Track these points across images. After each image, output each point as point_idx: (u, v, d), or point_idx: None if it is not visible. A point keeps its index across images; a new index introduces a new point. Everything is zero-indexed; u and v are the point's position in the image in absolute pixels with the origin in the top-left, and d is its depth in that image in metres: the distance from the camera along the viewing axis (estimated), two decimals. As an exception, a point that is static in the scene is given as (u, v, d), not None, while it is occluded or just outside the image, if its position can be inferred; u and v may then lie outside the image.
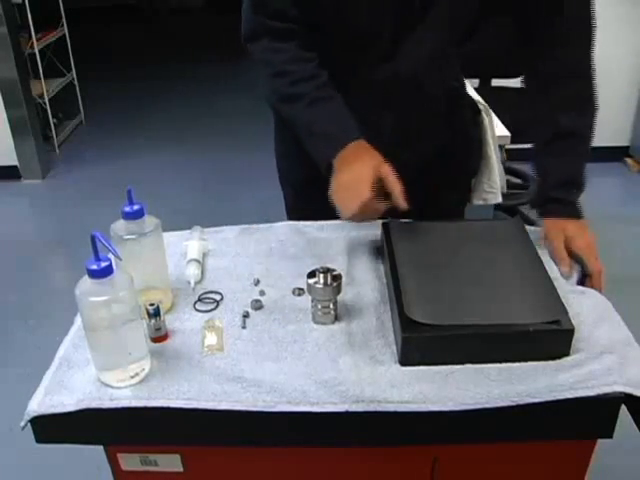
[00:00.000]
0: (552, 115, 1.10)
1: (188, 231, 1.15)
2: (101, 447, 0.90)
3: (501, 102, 1.88)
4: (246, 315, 0.96)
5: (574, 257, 1.04)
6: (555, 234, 1.07)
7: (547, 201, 1.12)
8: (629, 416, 0.83)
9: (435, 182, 1.24)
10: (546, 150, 1.13)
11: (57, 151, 4.01)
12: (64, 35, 4.15)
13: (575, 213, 1.10)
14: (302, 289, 1.00)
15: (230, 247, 1.13)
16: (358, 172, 0.99)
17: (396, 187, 0.98)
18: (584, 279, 1.03)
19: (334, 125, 1.06)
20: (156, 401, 0.82)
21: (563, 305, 0.88)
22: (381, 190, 0.98)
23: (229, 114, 4.45)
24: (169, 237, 1.11)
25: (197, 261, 1.06)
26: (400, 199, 0.98)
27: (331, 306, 0.93)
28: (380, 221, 1.09)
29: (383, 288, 1.01)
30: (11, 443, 1.67)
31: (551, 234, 1.09)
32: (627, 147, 3.54)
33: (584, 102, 1.12)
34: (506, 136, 1.95)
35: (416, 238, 1.06)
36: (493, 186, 1.39)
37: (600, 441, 0.88)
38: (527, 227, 1.10)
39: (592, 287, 1.01)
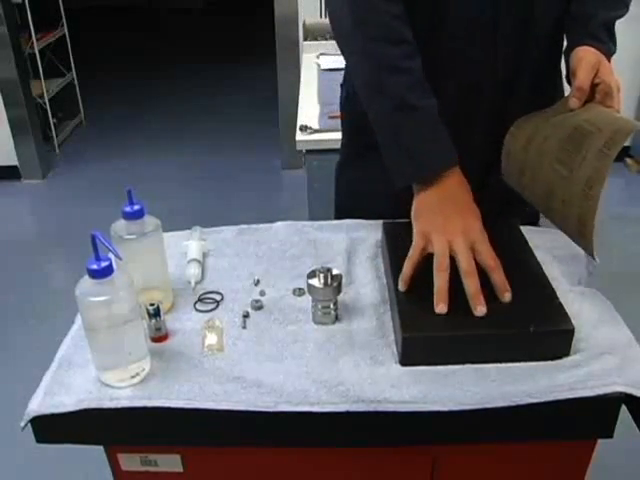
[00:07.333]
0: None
1: (188, 231, 1.15)
2: (101, 447, 0.90)
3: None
4: (246, 315, 0.96)
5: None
6: (588, 63, 1.01)
7: (586, 37, 1.05)
8: (629, 416, 0.83)
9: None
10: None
11: (57, 151, 4.01)
12: (64, 35, 4.15)
13: (609, 56, 1.05)
14: (302, 289, 1.00)
15: (230, 247, 1.13)
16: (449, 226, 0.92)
17: (496, 274, 0.89)
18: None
19: (437, 136, 0.96)
20: (156, 401, 0.82)
21: (562, 305, 0.88)
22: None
23: (229, 114, 4.45)
24: (169, 237, 1.11)
25: (197, 261, 1.06)
26: (500, 287, 0.89)
27: (331, 306, 0.93)
28: (380, 221, 1.09)
29: (383, 288, 1.01)
30: (11, 443, 1.67)
31: (585, 63, 1.01)
32: (627, 147, 3.53)
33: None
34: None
35: None
36: None
37: (600, 441, 0.88)
38: (525, 227, 1.09)
39: (613, 107, 1.01)
